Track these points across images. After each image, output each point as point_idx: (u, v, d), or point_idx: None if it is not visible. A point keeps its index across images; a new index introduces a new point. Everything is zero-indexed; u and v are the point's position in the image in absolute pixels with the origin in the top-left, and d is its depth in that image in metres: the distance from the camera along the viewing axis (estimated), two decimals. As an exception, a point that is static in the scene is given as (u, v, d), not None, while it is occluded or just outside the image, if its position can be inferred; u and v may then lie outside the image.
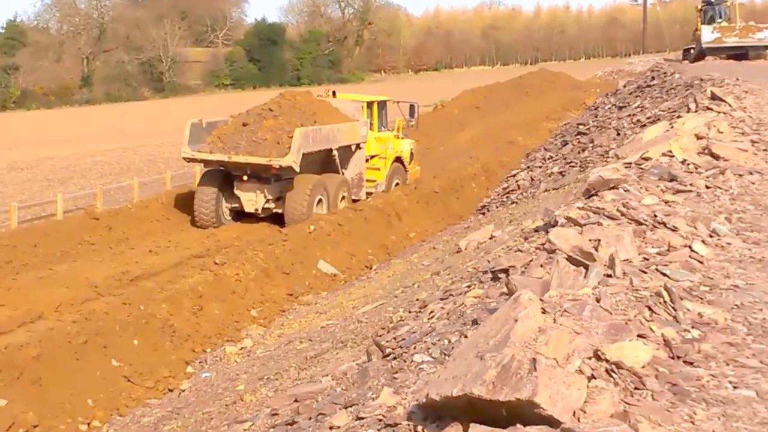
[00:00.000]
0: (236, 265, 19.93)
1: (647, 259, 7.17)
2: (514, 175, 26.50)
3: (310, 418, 7.18)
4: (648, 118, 20.61)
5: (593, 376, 4.72)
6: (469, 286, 9.12)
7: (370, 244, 24.31)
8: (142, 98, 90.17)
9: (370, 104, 29.20)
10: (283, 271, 20.87)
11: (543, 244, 8.06)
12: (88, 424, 14.39)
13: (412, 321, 9.31)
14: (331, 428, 6.23)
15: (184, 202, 26.18)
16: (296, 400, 8.40)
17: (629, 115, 23.64)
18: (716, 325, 5.82)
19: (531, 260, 7.89)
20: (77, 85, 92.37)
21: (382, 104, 30.13)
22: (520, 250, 8.86)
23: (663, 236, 7.86)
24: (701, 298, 6.33)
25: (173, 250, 22.19)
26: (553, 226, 8.34)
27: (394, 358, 7.46)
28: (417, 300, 11.39)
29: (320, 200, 25.41)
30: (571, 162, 21.83)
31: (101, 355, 15.68)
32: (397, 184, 29.79)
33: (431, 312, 9.02)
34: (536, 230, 9.74)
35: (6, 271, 19.96)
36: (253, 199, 25.25)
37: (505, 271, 8.16)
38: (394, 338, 8.57)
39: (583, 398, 4.43)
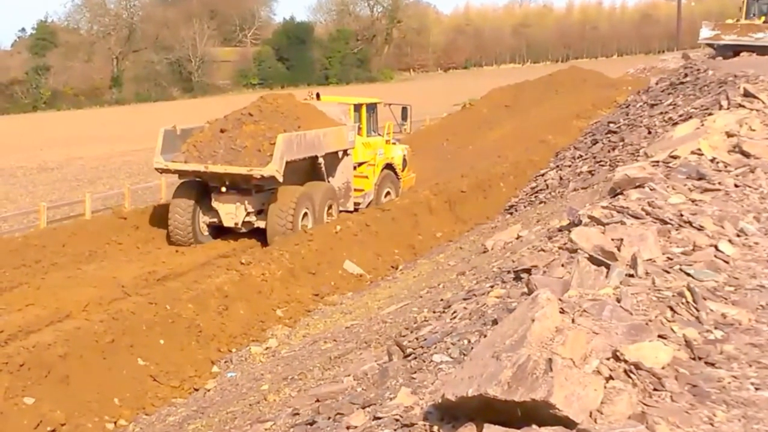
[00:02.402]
0: (262, 265, 19.93)
1: (671, 259, 7.07)
2: (542, 175, 26.33)
3: (329, 418, 7.15)
4: (680, 115, 20.38)
5: (611, 377, 4.65)
6: (491, 286, 9.05)
7: (397, 244, 24.22)
8: (171, 98, 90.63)
9: (358, 107, 27.28)
10: (309, 271, 20.84)
11: (565, 244, 7.98)
12: (115, 422, 14.44)
13: (435, 321, 9.26)
14: (348, 428, 6.20)
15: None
16: (317, 400, 8.39)
17: (661, 113, 23.40)
18: (740, 325, 5.72)
19: (553, 260, 7.81)
20: (107, 86, 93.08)
21: (371, 107, 28.12)
22: (543, 250, 8.78)
23: (688, 236, 7.75)
24: (725, 299, 6.22)
25: (199, 250, 22.25)
26: (577, 226, 8.25)
27: (414, 358, 7.42)
28: (441, 300, 11.32)
29: (305, 213, 23.53)
30: (600, 161, 21.64)
31: (128, 355, 15.73)
32: (387, 193, 27.89)
33: (454, 312, 8.97)
34: (560, 230, 9.65)
35: (35, 271, 20.14)
36: (232, 213, 23.28)
37: (528, 270, 8.09)
38: (416, 338, 8.53)
39: (599, 399, 4.37)
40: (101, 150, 45.32)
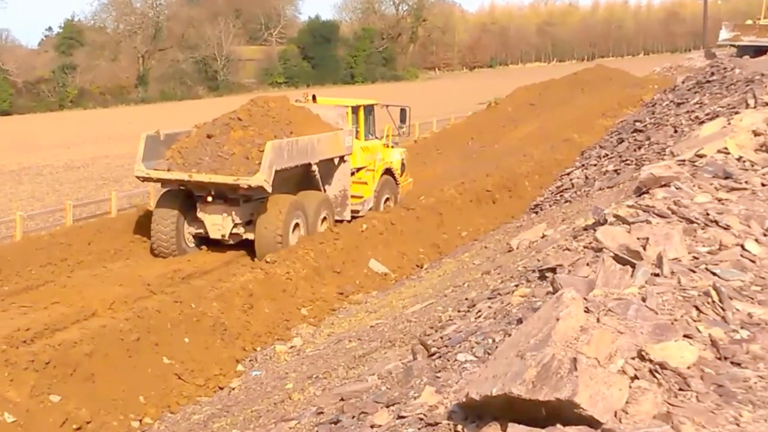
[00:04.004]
0: (287, 264, 19.97)
1: (697, 258, 7.02)
2: (568, 174, 26.23)
3: (353, 417, 7.15)
4: (707, 114, 20.26)
5: (636, 377, 4.64)
6: (516, 285, 9.03)
7: (422, 243, 24.21)
8: (196, 97, 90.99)
9: (355, 109, 25.84)
10: (333, 269, 20.87)
11: (590, 243, 7.95)
12: (140, 420, 14.52)
13: (459, 320, 9.25)
14: (372, 427, 6.19)
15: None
16: (342, 399, 8.38)
17: (687, 112, 23.27)
18: (766, 325, 5.68)
19: (578, 259, 7.78)
20: (133, 84, 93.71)
21: (368, 109, 26.62)
22: (568, 249, 8.74)
23: (714, 235, 7.69)
24: (752, 298, 6.17)
25: (224, 249, 22.29)
26: (603, 225, 8.22)
27: (439, 357, 7.41)
28: (466, 299, 11.29)
29: (297, 224, 22.05)
30: (626, 160, 21.54)
31: (153, 353, 15.82)
32: (387, 200, 26.45)
33: (478, 311, 8.95)
34: (586, 229, 9.60)
35: (61, 269, 20.26)
36: (219, 224, 21.80)
37: (553, 269, 8.05)
38: (441, 337, 8.52)
39: (624, 398, 4.36)
40: (127, 148, 45.39)
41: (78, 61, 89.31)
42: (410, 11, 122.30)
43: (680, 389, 4.64)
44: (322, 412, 8.41)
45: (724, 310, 5.80)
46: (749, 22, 47.76)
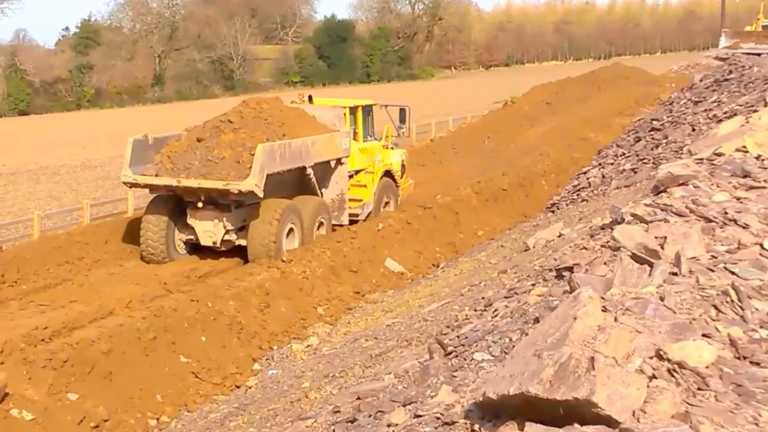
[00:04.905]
0: (303, 263, 19.99)
1: (715, 257, 6.97)
2: (585, 173, 26.20)
3: (369, 416, 7.15)
4: (725, 113, 20.19)
5: (654, 376, 4.61)
6: (533, 285, 9.02)
7: (438, 242, 24.19)
8: (212, 96, 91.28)
9: (353, 110, 24.98)
10: (350, 268, 20.88)
11: (608, 242, 7.92)
12: (157, 419, 14.57)
13: (476, 319, 9.23)
14: (389, 425, 6.19)
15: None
16: (358, 398, 8.38)
17: (705, 110, 23.20)
18: (786, 324, 5.64)
19: (595, 258, 7.75)
20: (149, 84, 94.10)
21: (367, 109, 25.75)
22: (586, 248, 8.72)
23: (733, 234, 7.64)
24: (771, 297, 6.13)
25: (241, 248, 22.31)
26: (620, 224, 8.19)
27: (455, 357, 7.40)
28: (483, 298, 11.29)
29: (291, 229, 21.24)
30: (643, 159, 21.51)
31: (170, 351, 15.88)
32: (387, 203, 25.73)
33: (495, 310, 8.94)
34: (603, 228, 9.57)
35: (79, 268, 20.35)
36: (210, 230, 21.03)
37: (570, 268, 8.03)
38: (457, 336, 8.51)
39: (642, 398, 4.33)
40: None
41: (95, 61, 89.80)
42: (426, 10, 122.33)
43: (699, 389, 4.61)
44: (338, 411, 8.41)
45: (742, 309, 5.76)
46: (748, 28, 47.44)
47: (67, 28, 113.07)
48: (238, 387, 15.53)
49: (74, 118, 73.64)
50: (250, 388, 15.13)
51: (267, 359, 16.56)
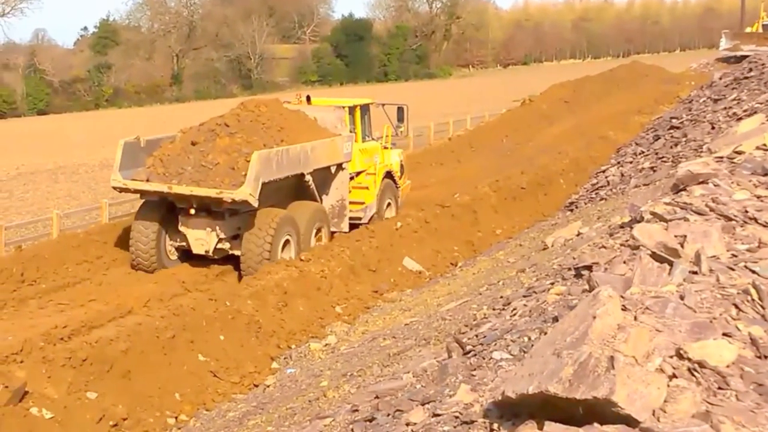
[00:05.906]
0: (321, 262, 20.00)
1: (736, 256, 6.93)
2: (603, 171, 26.07)
3: (388, 415, 7.14)
4: (744, 111, 20.05)
5: (674, 375, 4.58)
6: (552, 283, 8.98)
7: (456, 240, 24.15)
8: (230, 95, 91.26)
9: (352, 109, 24.25)
10: (368, 267, 20.87)
11: (627, 241, 7.89)
12: (176, 417, 14.61)
13: (495, 318, 9.21)
14: (407, 424, 6.19)
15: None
16: (377, 397, 8.38)
17: (725, 108, 23.05)
18: (807, 324, 5.59)
19: (614, 257, 7.71)
20: (167, 83, 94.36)
21: (365, 108, 25.06)
22: (605, 247, 8.68)
23: (754, 232, 7.59)
24: (792, 296, 6.08)
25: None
26: (639, 222, 8.15)
27: (474, 356, 7.38)
28: (501, 297, 11.26)
29: (288, 240, 20.50)
30: (663, 157, 21.40)
31: (188, 350, 15.92)
32: (388, 205, 25.20)
33: (514, 309, 8.91)
34: (622, 226, 9.53)
35: (97, 267, 20.46)
36: (202, 238, 20.24)
37: (589, 267, 8.00)
38: (476, 335, 8.48)
39: (662, 397, 4.31)
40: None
41: (113, 61, 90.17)
42: (444, 9, 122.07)
43: (719, 388, 4.58)
44: (357, 410, 8.41)
45: (763, 308, 5.72)
46: (749, 29, 46.99)
47: (85, 28, 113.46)
48: (256, 386, 15.54)
49: (93, 118, 73.93)
50: (268, 386, 15.13)
51: (285, 358, 16.58)
